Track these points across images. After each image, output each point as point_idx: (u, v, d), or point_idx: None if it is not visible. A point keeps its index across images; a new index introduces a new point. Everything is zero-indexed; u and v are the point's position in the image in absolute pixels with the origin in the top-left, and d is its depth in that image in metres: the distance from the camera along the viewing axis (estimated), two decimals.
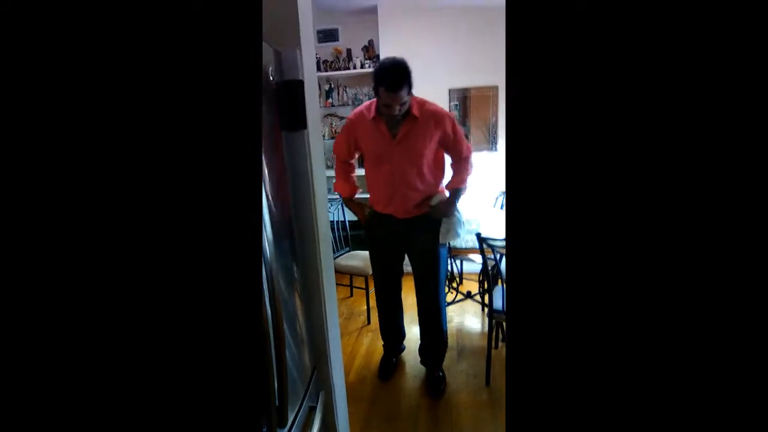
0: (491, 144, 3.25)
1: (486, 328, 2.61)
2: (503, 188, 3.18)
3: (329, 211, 2.47)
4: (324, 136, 3.44)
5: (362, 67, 3.37)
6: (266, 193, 0.91)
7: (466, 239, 2.52)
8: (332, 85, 3.55)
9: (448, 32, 3.08)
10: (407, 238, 1.99)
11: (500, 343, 2.48)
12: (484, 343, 2.34)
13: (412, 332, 2.42)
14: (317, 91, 1.24)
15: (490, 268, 2.12)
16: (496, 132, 3.21)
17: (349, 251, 2.90)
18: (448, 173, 2.00)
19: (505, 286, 2.17)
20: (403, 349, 2.38)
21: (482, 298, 2.81)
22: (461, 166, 1.94)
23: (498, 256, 2.02)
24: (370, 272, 2.34)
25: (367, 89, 3.38)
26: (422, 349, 2.20)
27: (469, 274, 3.23)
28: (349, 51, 3.47)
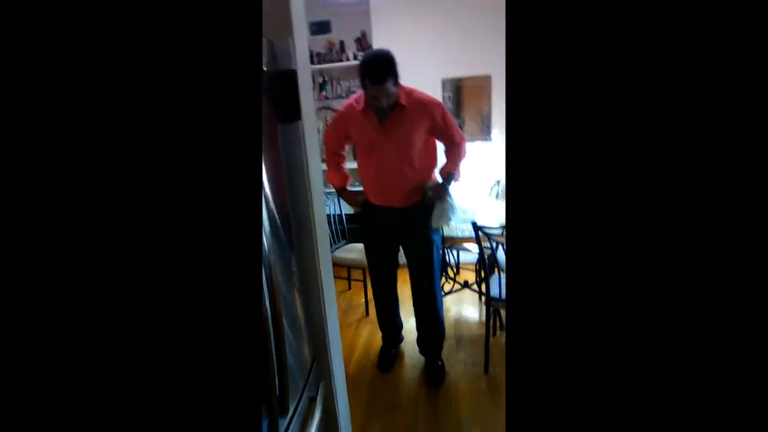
0: (485, 133, 3.25)
1: (483, 317, 2.63)
2: (498, 177, 3.19)
3: (326, 205, 2.47)
4: (318, 129, 3.42)
5: (355, 59, 3.35)
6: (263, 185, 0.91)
7: (462, 228, 2.53)
8: (326, 78, 3.54)
9: (441, 22, 3.07)
10: (401, 229, 1.99)
11: (498, 331, 2.49)
12: (482, 331, 2.36)
13: (411, 323, 2.43)
14: (311, 82, 1.23)
15: (486, 256, 2.13)
16: (489, 121, 3.20)
17: (346, 244, 2.91)
18: (442, 160, 2.00)
19: (501, 274, 2.18)
20: (402, 339, 2.40)
21: (479, 287, 2.83)
22: (453, 152, 1.95)
23: (494, 244, 2.03)
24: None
25: None
26: (420, 339, 2.21)
27: (466, 264, 3.25)
28: (342, 43, 3.45)
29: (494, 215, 2.58)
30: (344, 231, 2.94)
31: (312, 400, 1.26)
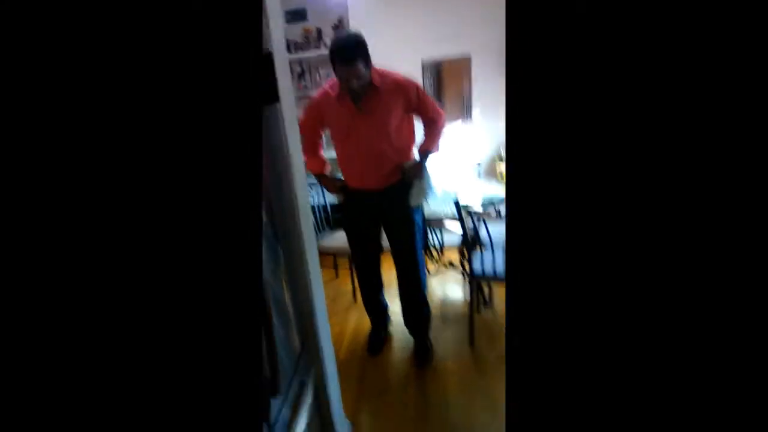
0: (466, 115, 3.26)
1: (468, 296, 2.67)
2: (479, 160, 3.22)
3: (309, 195, 2.46)
4: (298, 118, 3.38)
5: None
6: None
7: (445, 210, 2.55)
8: (304, 68, 3.49)
9: (419, 3, 3.06)
10: (382, 211, 2.00)
11: (482, 308, 2.54)
12: (467, 310, 2.40)
13: (398, 306, 2.46)
14: (288, 65, 1.22)
15: (469, 235, 2.15)
16: (470, 103, 3.22)
17: (331, 232, 2.90)
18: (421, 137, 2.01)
19: (483, 251, 2.21)
20: (389, 320, 2.43)
21: (463, 267, 2.86)
22: (430, 128, 1.96)
23: (476, 221, 2.06)
24: None
25: None
26: (407, 319, 2.24)
27: (450, 247, 3.28)
28: (319, 30, 3.40)
29: (476, 197, 2.61)
30: (329, 219, 2.94)
31: (303, 384, 1.28)
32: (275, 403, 1.06)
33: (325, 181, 2.07)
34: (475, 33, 3.04)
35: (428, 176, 1.94)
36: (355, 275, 2.47)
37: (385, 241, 2.12)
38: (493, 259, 2.07)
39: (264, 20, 1.00)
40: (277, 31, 1.08)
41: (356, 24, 3.13)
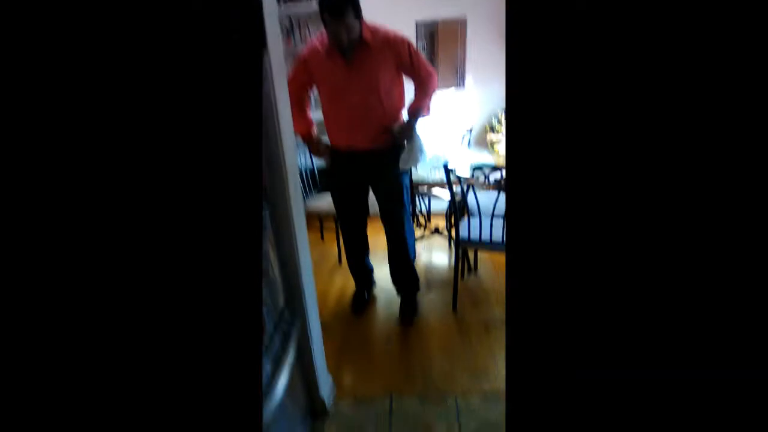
0: (459, 81, 3.20)
1: (452, 262, 2.69)
2: (470, 126, 3.18)
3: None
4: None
5: None
6: None
7: (433, 175, 2.53)
8: (293, 23, 3.37)
9: None
10: (370, 172, 1.97)
11: (467, 274, 2.56)
12: (451, 275, 2.42)
13: (383, 270, 2.47)
14: (276, 11, 1.16)
15: (456, 201, 2.15)
16: (463, 68, 3.15)
17: (317, 194, 2.87)
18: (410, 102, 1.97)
19: (471, 218, 2.21)
20: (374, 283, 2.44)
21: (449, 233, 2.87)
22: (421, 88, 1.91)
23: (465, 187, 2.04)
24: None
25: None
26: (395, 279, 2.25)
27: (437, 212, 3.28)
28: None
29: (465, 163, 2.59)
30: (315, 182, 2.90)
31: (285, 340, 1.28)
32: None
33: (312, 145, 2.02)
34: None
35: (419, 138, 1.91)
36: (341, 238, 2.46)
37: (372, 205, 2.10)
38: (480, 226, 2.07)
39: None
40: None
41: None
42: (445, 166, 2.01)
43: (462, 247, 2.22)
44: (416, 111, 1.92)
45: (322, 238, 3.17)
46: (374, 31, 1.74)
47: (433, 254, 2.90)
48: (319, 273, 2.70)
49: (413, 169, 2.12)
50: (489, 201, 2.02)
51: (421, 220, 3.23)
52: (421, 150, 1.91)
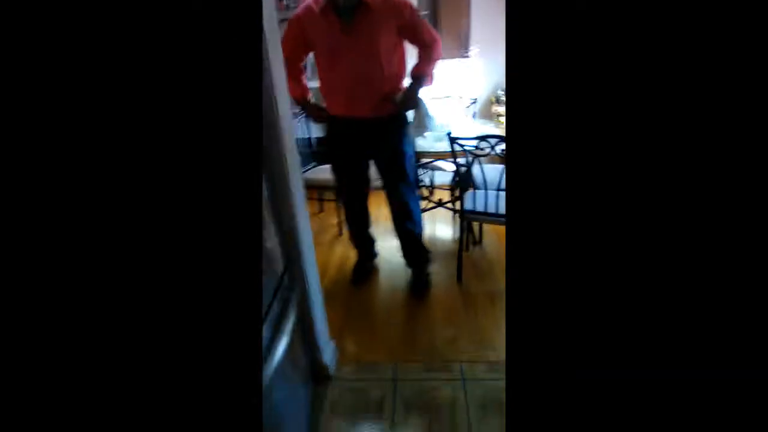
0: (462, 53, 3.12)
1: (456, 234, 2.67)
2: (475, 96, 3.11)
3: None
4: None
5: None
6: None
7: (436, 147, 2.49)
8: None
9: None
10: (372, 142, 1.90)
11: (471, 246, 2.54)
12: (455, 247, 2.40)
13: (386, 242, 2.45)
14: None
15: (461, 172, 2.11)
16: (468, 37, 3.07)
17: (315, 166, 2.84)
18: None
19: (476, 191, 2.18)
20: (377, 254, 2.40)
21: (453, 205, 2.84)
22: (425, 53, 1.84)
23: (470, 159, 2.00)
24: None
25: None
26: (405, 253, 2.20)
27: (441, 184, 3.24)
28: None
29: (470, 134, 2.54)
30: (313, 152, 2.86)
31: (285, 305, 1.27)
32: None
33: (309, 109, 1.95)
34: None
35: (424, 104, 1.85)
36: (341, 210, 2.43)
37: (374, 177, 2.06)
38: (485, 198, 2.04)
39: None
40: None
41: None
42: (450, 136, 1.96)
43: (467, 219, 2.19)
44: (420, 77, 1.85)
45: (322, 209, 3.14)
46: None
47: (437, 227, 2.87)
48: (319, 244, 2.68)
49: (422, 137, 2.05)
50: (494, 173, 1.99)
51: (425, 192, 3.19)
52: (427, 115, 1.86)
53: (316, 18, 1.69)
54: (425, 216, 2.92)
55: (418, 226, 2.09)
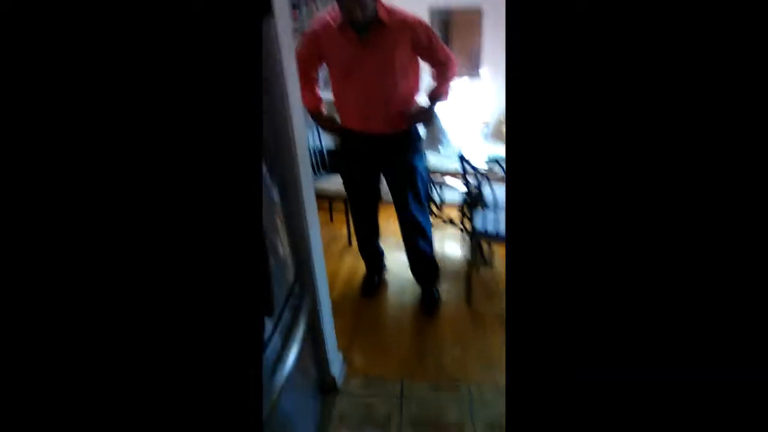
0: (473, 72, 3.16)
1: (465, 253, 2.66)
2: (486, 119, 3.14)
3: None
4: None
5: None
6: None
7: (446, 165, 2.51)
8: None
9: None
10: (383, 159, 1.92)
11: (481, 267, 2.53)
12: (464, 267, 2.39)
13: (395, 256, 2.45)
14: None
15: (472, 192, 2.12)
16: (479, 58, 3.11)
17: (326, 175, 2.84)
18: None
19: (486, 210, 2.18)
20: (385, 267, 2.40)
21: (463, 224, 2.84)
22: (441, 73, 1.86)
23: (480, 180, 2.01)
24: None
25: None
26: (415, 270, 2.20)
27: (450, 203, 3.25)
28: None
29: (481, 155, 2.55)
30: (324, 163, 2.87)
31: (296, 314, 1.26)
32: (269, 322, 1.05)
33: (321, 120, 1.96)
34: None
35: (439, 120, 1.87)
36: (350, 220, 2.43)
37: (385, 193, 2.06)
38: (495, 219, 2.04)
39: None
40: None
41: None
42: (461, 156, 1.97)
43: (477, 240, 2.19)
44: (437, 95, 1.87)
45: (332, 219, 3.14)
46: (391, 12, 1.69)
47: (446, 245, 2.86)
48: (328, 254, 2.67)
49: (435, 153, 2.06)
50: (505, 193, 1.99)
51: (434, 209, 3.19)
52: (442, 131, 1.87)
53: (333, 32, 1.72)
54: (434, 233, 2.92)
55: (430, 245, 2.09)
